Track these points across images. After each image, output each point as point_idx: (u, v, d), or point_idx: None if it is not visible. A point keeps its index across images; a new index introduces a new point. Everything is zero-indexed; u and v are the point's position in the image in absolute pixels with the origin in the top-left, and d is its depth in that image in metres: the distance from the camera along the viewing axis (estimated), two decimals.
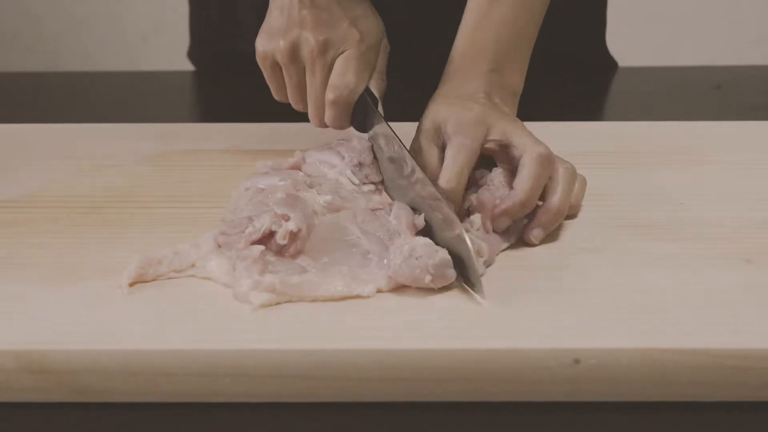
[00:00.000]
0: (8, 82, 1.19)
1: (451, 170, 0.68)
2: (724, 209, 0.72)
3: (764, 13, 2.29)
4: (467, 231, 0.64)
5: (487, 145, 0.70)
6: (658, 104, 1.03)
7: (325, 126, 0.76)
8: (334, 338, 0.56)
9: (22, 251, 0.67)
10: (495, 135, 0.70)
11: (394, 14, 0.79)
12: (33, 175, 0.79)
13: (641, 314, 0.59)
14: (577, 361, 0.55)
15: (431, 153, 0.70)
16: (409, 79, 0.82)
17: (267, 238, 0.63)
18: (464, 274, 0.61)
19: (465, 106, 0.71)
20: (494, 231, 0.67)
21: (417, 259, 0.61)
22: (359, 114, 0.75)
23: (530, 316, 0.58)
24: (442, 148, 0.70)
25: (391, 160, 0.72)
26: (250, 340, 0.56)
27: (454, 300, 0.60)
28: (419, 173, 0.67)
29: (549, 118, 0.90)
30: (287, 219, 0.63)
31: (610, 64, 1.12)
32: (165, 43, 2.16)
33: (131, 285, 0.62)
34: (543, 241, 0.67)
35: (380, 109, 0.74)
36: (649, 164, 0.80)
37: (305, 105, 0.77)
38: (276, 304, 0.59)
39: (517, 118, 0.74)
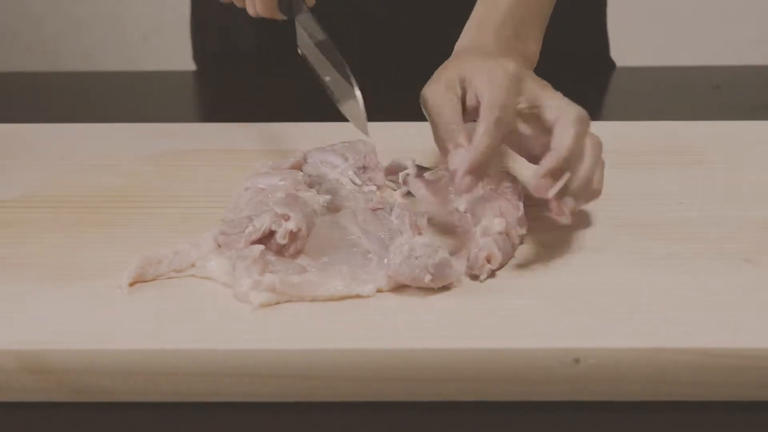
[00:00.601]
0: (8, 82, 1.19)
1: (484, 142, 0.64)
2: (724, 209, 0.72)
3: (764, 13, 2.29)
4: (487, 234, 0.64)
5: (520, 106, 0.66)
6: (658, 104, 1.03)
7: (259, 15, 0.77)
8: (334, 338, 0.56)
9: (22, 251, 0.67)
10: (528, 96, 0.67)
11: (395, 13, 0.79)
12: (33, 175, 0.79)
13: (641, 314, 0.59)
14: (577, 361, 0.55)
15: (450, 101, 0.67)
16: (408, 78, 0.81)
17: (267, 238, 0.63)
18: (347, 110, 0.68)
19: (498, 63, 0.67)
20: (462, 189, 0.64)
21: (417, 258, 0.61)
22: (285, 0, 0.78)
23: (530, 316, 0.58)
24: (463, 100, 0.68)
25: (316, 43, 0.74)
26: (250, 340, 0.56)
27: (454, 300, 0.60)
28: (333, 50, 0.72)
29: None
30: (287, 219, 0.63)
31: (610, 64, 1.12)
32: (165, 43, 2.16)
33: (131, 285, 0.62)
34: (543, 242, 0.67)
35: None
36: (649, 164, 0.80)
37: None
38: (276, 303, 0.60)
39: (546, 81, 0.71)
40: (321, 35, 0.74)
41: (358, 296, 0.60)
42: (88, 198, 0.75)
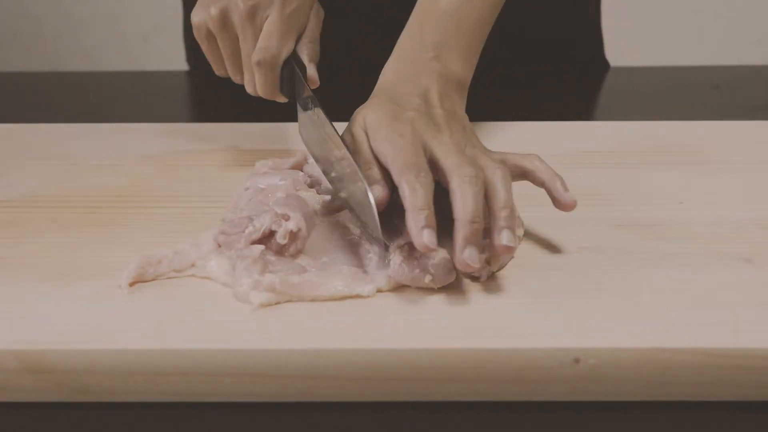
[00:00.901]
0: (8, 82, 1.19)
1: (419, 205, 0.61)
2: (724, 209, 0.72)
3: (764, 13, 2.29)
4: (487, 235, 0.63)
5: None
6: (658, 104, 1.03)
7: (258, 94, 0.76)
8: (334, 338, 0.56)
9: (22, 251, 0.67)
10: (428, 155, 0.65)
11: (394, 13, 0.79)
12: (32, 175, 0.79)
13: (641, 314, 0.59)
14: (577, 361, 0.55)
15: (362, 144, 0.67)
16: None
17: (267, 238, 0.63)
18: (368, 229, 0.62)
19: (396, 128, 0.65)
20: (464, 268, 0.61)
21: (417, 259, 0.61)
22: (288, 80, 0.75)
23: (530, 316, 0.58)
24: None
25: (316, 128, 0.70)
26: (250, 340, 0.56)
27: (454, 300, 0.60)
28: (337, 139, 0.66)
29: (549, 118, 0.90)
30: (287, 218, 0.63)
31: (605, 64, 1.12)
32: (165, 43, 2.16)
33: (131, 285, 0.62)
34: (543, 242, 0.67)
35: (311, 72, 0.74)
36: (649, 164, 0.80)
37: (242, 76, 0.77)
38: (276, 303, 0.60)
39: (454, 118, 0.69)
40: (327, 124, 0.69)
41: (358, 296, 0.60)
42: (88, 198, 0.75)
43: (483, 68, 0.77)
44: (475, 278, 0.62)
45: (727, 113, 0.96)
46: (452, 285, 0.61)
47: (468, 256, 0.59)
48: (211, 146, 0.84)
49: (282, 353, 0.55)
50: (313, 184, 0.72)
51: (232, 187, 0.74)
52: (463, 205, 0.61)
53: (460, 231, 0.60)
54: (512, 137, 0.85)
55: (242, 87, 0.78)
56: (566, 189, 0.66)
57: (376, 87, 0.73)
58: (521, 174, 0.67)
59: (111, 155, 0.82)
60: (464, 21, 0.74)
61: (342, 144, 0.65)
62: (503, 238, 0.61)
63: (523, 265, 0.65)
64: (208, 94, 1.07)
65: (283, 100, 0.76)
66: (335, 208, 0.69)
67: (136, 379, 0.55)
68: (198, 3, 0.76)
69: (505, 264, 0.64)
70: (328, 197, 0.70)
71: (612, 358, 0.55)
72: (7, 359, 0.55)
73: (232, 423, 0.56)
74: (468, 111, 0.73)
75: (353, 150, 0.67)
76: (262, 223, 0.63)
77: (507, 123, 0.89)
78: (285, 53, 0.74)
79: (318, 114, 0.70)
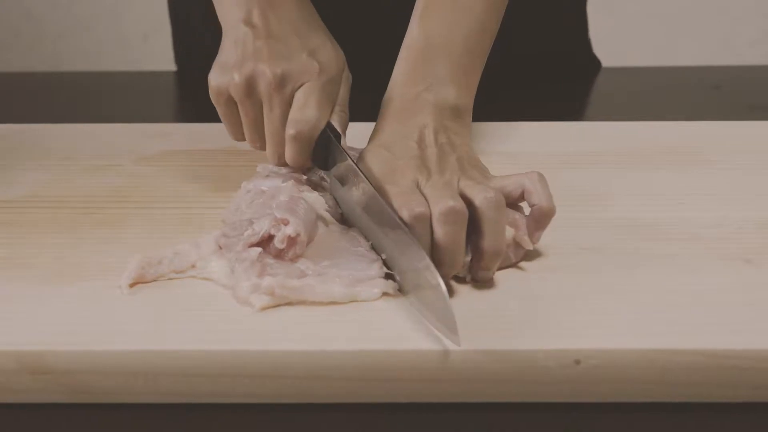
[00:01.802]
0: (8, 82, 1.19)
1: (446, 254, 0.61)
2: (724, 209, 0.72)
3: (764, 13, 2.29)
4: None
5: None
6: (658, 104, 1.03)
7: (285, 164, 0.71)
8: (334, 339, 0.56)
9: (22, 251, 0.67)
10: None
11: (363, 43, 0.78)
12: (33, 175, 0.79)
13: (641, 314, 0.59)
14: (577, 362, 0.55)
15: None
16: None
17: (266, 242, 0.63)
18: (437, 320, 0.56)
19: (390, 178, 0.65)
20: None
21: None
22: (320, 150, 0.70)
23: (530, 317, 0.58)
24: None
25: (357, 201, 0.66)
26: (250, 341, 0.56)
27: (454, 300, 0.60)
28: (388, 211, 0.62)
29: (548, 118, 0.90)
30: (286, 223, 0.63)
31: (596, 63, 1.11)
32: (165, 43, 2.15)
33: (131, 285, 0.62)
34: (543, 242, 0.67)
35: (343, 143, 0.70)
36: (649, 164, 0.80)
37: (263, 143, 0.72)
38: (276, 306, 0.59)
39: (448, 153, 0.67)
40: (368, 189, 0.64)
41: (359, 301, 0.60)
42: (88, 198, 0.75)
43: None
44: (461, 279, 0.62)
45: (727, 113, 0.96)
46: (452, 285, 0.61)
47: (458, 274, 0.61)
48: (210, 146, 0.84)
49: (282, 354, 0.55)
50: (316, 187, 0.72)
51: (232, 188, 0.73)
52: (442, 250, 0.60)
53: (443, 272, 0.59)
54: (513, 136, 0.85)
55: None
56: (542, 229, 0.64)
57: (373, 130, 0.72)
58: (520, 197, 0.66)
59: (111, 155, 0.82)
60: (450, 46, 0.72)
61: (390, 214, 0.62)
62: (479, 276, 0.62)
63: (523, 266, 0.65)
64: (208, 94, 1.07)
65: (308, 166, 0.72)
66: (337, 215, 0.69)
67: (136, 380, 0.55)
68: (216, 64, 0.72)
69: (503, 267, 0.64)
70: (332, 201, 0.69)
71: (612, 359, 0.55)
72: (7, 360, 0.55)
73: (231, 423, 0.56)
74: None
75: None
76: (261, 227, 0.63)
77: (507, 123, 0.89)
78: (322, 125, 0.70)
79: (364, 187, 0.66)
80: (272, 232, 0.63)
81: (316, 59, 0.71)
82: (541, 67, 1.04)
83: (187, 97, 1.10)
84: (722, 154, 0.82)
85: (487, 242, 0.61)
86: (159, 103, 1.09)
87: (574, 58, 1.09)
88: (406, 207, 0.61)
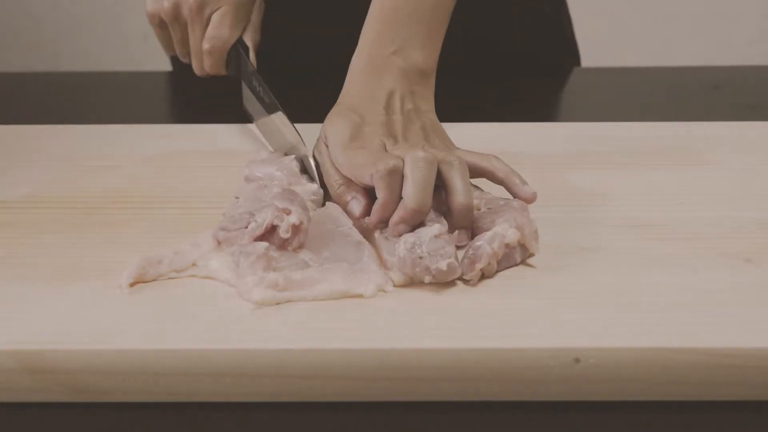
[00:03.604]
0: (8, 82, 1.19)
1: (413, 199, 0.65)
2: (724, 209, 0.72)
3: (763, 13, 2.29)
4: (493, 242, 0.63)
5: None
6: (657, 104, 1.03)
7: (206, 74, 0.88)
8: (333, 338, 0.56)
9: (22, 251, 0.67)
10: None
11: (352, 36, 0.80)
12: (33, 176, 0.79)
13: (641, 314, 0.59)
14: (577, 361, 0.55)
15: (328, 164, 0.72)
16: None
17: (270, 233, 0.63)
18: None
19: (355, 144, 0.70)
20: (393, 236, 0.65)
21: (420, 257, 0.61)
22: (233, 62, 0.87)
23: (530, 316, 0.58)
24: None
25: (259, 98, 0.82)
26: (250, 340, 0.56)
27: (454, 300, 0.60)
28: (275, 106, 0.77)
29: (548, 118, 0.90)
30: (289, 213, 0.64)
31: (575, 57, 1.12)
32: None
33: (131, 285, 0.62)
34: (543, 242, 0.67)
35: (251, 56, 0.86)
36: (648, 164, 0.80)
37: (189, 57, 0.89)
38: (276, 304, 0.60)
39: (414, 121, 0.72)
40: (267, 96, 0.81)
41: (358, 296, 0.60)
42: (88, 198, 0.75)
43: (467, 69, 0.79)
44: (465, 281, 0.62)
45: (727, 113, 0.96)
46: (452, 285, 0.61)
47: (399, 231, 0.64)
48: (211, 146, 0.84)
49: (282, 353, 0.55)
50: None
51: (232, 188, 0.74)
52: (410, 188, 0.64)
53: (399, 211, 0.64)
54: (513, 137, 0.85)
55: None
56: (524, 183, 0.68)
57: (342, 89, 0.76)
58: (480, 173, 0.70)
59: (111, 155, 0.82)
60: (419, 10, 0.75)
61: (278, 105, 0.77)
62: (457, 239, 0.65)
63: (524, 265, 0.65)
64: (208, 94, 1.07)
65: (224, 74, 0.88)
66: (320, 202, 0.72)
67: (136, 379, 0.55)
68: None
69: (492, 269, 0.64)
70: (315, 187, 0.72)
71: (612, 358, 0.55)
72: (7, 359, 0.55)
73: (232, 423, 0.56)
74: (461, 112, 0.74)
75: (322, 165, 0.73)
76: (265, 218, 0.63)
77: (507, 124, 0.89)
78: (232, 41, 0.86)
79: (263, 87, 0.81)
80: (276, 222, 0.63)
81: None
82: (521, 64, 1.05)
83: (187, 97, 1.10)
84: (722, 154, 0.82)
85: (456, 199, 0.65)
86: (159, 103, 1.09)
87: (552, 53, 1.09)
88: (383, 162, 0.65)
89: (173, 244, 0.65)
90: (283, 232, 0.63)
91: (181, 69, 1.11)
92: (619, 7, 2.23)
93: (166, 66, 1.14)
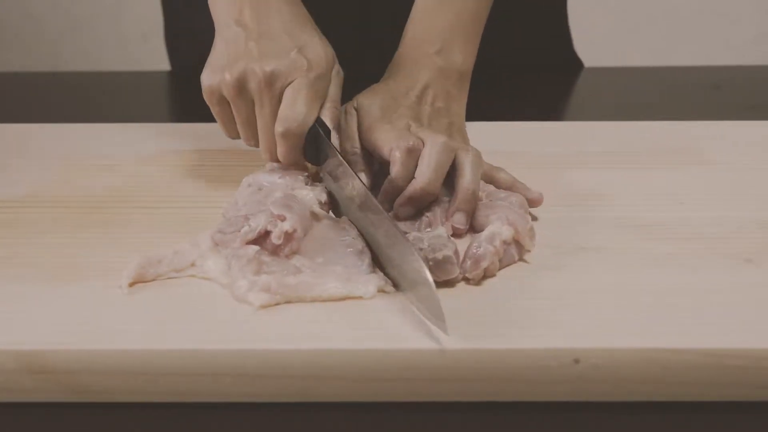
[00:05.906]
0: (8, 82, 1.19)
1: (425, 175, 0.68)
2: (724, 209, 0.72)
3: (763, 13, 2.29)
4: (491, 240, 0.64)
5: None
6: (657, 104, 1.03)
7: (278, 161, 0.72)
8: (333, 338, 0.56)
9: (22, 251, 0.67)
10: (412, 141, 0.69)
11: (356, 41, 0.80)
12: (33, 175, 0.79)
13: (641, 314, 0.59)
14: (577, 361, 0.55)
15: (352, 127, 0.74)
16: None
17: (263, 238, 0.63)
18: (427, 311, 0.57)
19: (385, 119, 0.73)
20: (398, 218, 0.68)
21: (421, 249, 0.61)
22: (312, 146, 0.71)
23: (530, 316, 0.58)
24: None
25: (349, 196, 0.68)
26: (250, 340, 0.56)
27: (454, 300, 0.60)
28: (375, 206, 0.64)
29: (548, 118, 0.90)
30: (283, 219, 0.63)
31: (577, 63, 1.12)
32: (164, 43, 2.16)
33: (131, 285, 0.62)
34: (543, 242, 0.67)
35: (334, 138, 0.71)
36: (649, 164, 0.80)
37: (257, 141, 0.73)
38: (275, 305, 0.60)
39: (442, 116, 0.76)
40: (360, 188, 0.66)
41: (356, 297, 0.60)
42: (88, 198, 0.75)
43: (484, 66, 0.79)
44: (467, 280, 0.62)
45: (727, 113, 0.96)
46: (452, 286, 0.61)
47: (402, 213, 0.68)
48: (211, 146, 0.84)
49: (282, 353, 0.55)
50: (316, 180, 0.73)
51: (232, 188, 0.73)
52: (425, 168, 0.67)
53: (408, 189, 0.67)
54: (513, 136, 0.85)
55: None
56: (529, 189, 0.71)
57: (385, 74, 0.79)
58: (488, 179, 0.72)
59: (111, 155, 0.82)
60: (463, 12, 0.78)
61: (380, 209, 0.64)
62: (455, 219, 0.67)
63: (524, 265, 0.65)
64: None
65: (304, 167, 0.73)
66: (329, 208, 0.70)
67: (136, 380, 0.55)
68: (209, 65, 0.73)
69: (485, 270, 0.64)
70: (323, 196, 0.70)
71: (612, 358, 0.55)
72: (7, 359, 0.55)
73: (232, 423, 0.56)
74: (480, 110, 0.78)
75: (345, 129, 0.73)
76: (258, 223, 0.63)
77: (508, 123, 0.89)
78: (311, 121, 0.71)
79: (352, 181, 0.68)
80: (269, 227, 0.63)
81: (305, 56, 0.71)
82: (521, 64, 1.05)
83: (187, 97, 1.10)
84: (722, 154, 0.82)
85: (464, 182, 0.68)
86: (158, 103, 1.09)
87: (553, 56, 1.09)
88: (404, 140, 0.68)
89: (173, 244, 0.65)
90: (275, 239, 0.63)
91: (181, 69, 1.11)
92: (620, 8, 2.23)
93: (166, 66, 1.14)
